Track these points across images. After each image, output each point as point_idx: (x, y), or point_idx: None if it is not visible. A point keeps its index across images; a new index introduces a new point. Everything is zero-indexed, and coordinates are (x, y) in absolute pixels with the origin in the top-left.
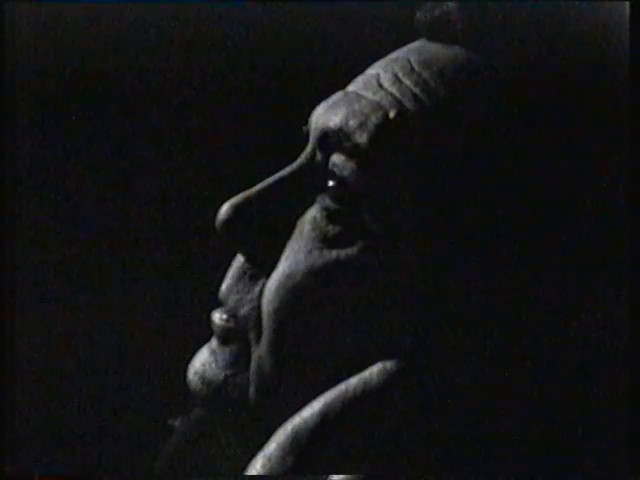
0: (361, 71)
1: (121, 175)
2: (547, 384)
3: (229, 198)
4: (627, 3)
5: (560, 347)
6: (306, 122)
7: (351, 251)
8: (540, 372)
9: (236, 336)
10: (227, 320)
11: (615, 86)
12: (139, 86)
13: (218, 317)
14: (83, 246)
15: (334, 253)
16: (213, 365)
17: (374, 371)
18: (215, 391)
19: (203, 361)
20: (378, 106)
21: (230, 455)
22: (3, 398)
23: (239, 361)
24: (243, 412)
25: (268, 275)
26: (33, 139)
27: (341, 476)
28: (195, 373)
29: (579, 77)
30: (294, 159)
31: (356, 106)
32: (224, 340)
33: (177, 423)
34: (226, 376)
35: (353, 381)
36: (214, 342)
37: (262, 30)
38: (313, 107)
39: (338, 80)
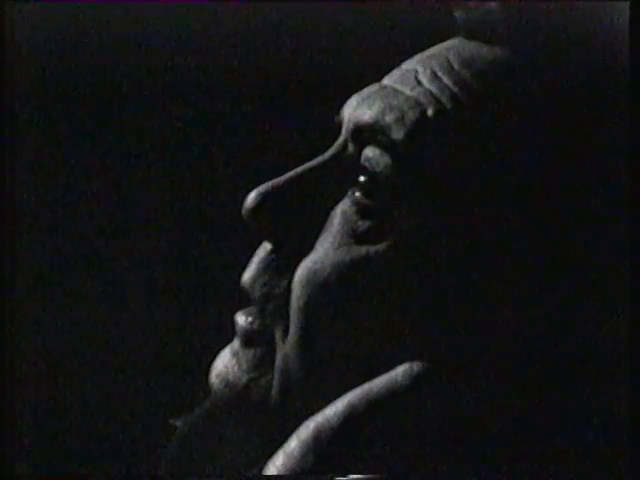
0: (393, 64)
1: (137, 168)
2: (547, 383)
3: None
4: (627, 3)
5: (560, 346)
6: (337, 113)
7: (380, 247)
8: (541, 371)
9: (260, 338)
10: (252, 322)
11: (615, 86)
12: (141, 84)
13: (243, 319)
14: (90, 241)
15: (363, 249)
16: (236, 368)
17: (400, 372)
18: (238, 394)
19: (226, 363)
20: (416, 102)
21: (236, 453)
22: (3, 398)
23: (263, 364)
24: (266, 413)
25: (295, 268)
26: (33, 138)
27: (360, 476)
28: (217, 375)
29: (578, 77)
30: (324, 150)
31: (393, 101)
32: (247, 342)
33: (179, 423)
34: (250, 379)
35: (378, 381)
36: (236, 343)
37: (296, 22)
38: (343, 98)
39: (369, 72)
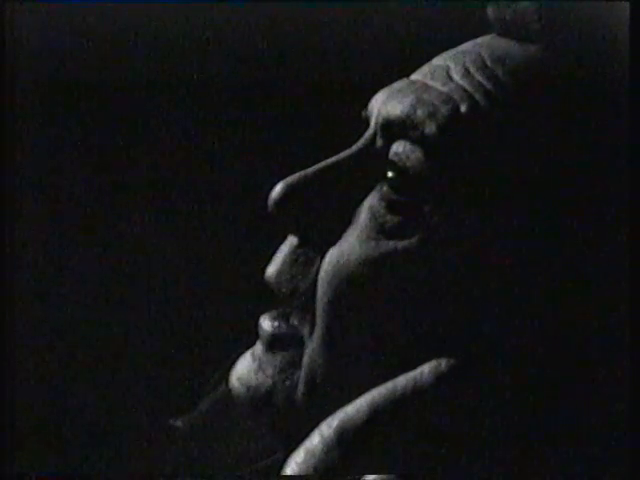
0: (423, 60)
1: (147, 165)
2: (548, 383)
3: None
4: (627, 3)
5: (560, 345)
6: (365, 107)
7: (409, 243)
8: (542, 370)
9: (286, 342)
10: (278, 327)
11: (615, 86)
12: (141, 84)
13: (269, 324)
14: (97, 238)
15: (391, 244)
16: (260, 372)
17: (425, 370)
18: (261, 398)
19: (248, 367)
20: (448, 98)
21: (244, 446)
22: (3, 398)
23: (288, 367)
24: (290, 415)
25: (322, 262)
26: (33, 138)
27: (374, 476)
28: (239, 379)
29: (578, 77)
30: (351, 145)
31: (425, 96)
32: (272, 347)
33: (179, 423)
34: (274, 383)
35: (403, 379)
36: (259, 348)
37: (325, 16)
38: (371, 93)
39: (399, 67)
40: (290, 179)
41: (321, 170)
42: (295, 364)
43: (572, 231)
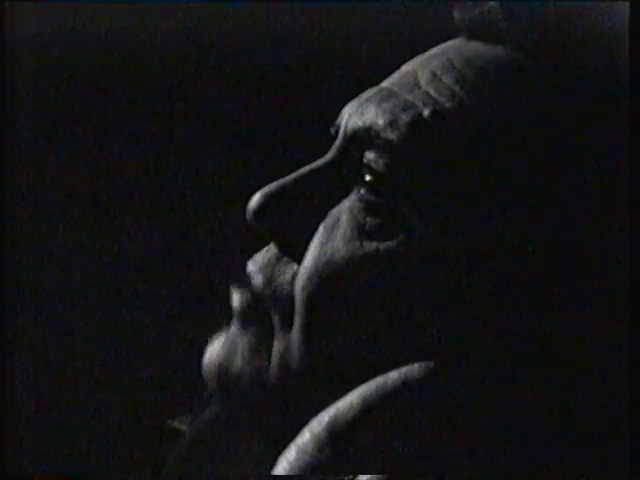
0: (394, 67)
1: (136, 167)
2: (540, 379)
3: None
4: (627, 3)
5: (559, 344)
6: (335, 119)
7: (391, 243)
8: (541, 370)
9: (255, 318)
10: (247, 301)
11: (615, 86)
12: (140, 84)
13: (238, 298)
14: (90, 238)
15: (374, 245)
16: (230, 352)
17: (415, 366)
18: (230, 377)
19: (218, 347)
20: (410, 104)
21: (244, 461)
22: (3, 398)
23: (254, 347)
24: (262, 400)
25: (300, 262)
26: (33, 138)
27: (368, 476)
28: (209, 358)
29: (578, 76)
30: (325, 153)
31: (387, 104)
32: (243, 323)
33: (178, 423)
34: (242, 362)
35: (393, 375)
36: (232, 327)
37: (298, 25)
38: (344, 101)
39: (370, 75)
40: (267, 189)
41: (296, 179)
42: (263, 344)
43: (548, 226)
